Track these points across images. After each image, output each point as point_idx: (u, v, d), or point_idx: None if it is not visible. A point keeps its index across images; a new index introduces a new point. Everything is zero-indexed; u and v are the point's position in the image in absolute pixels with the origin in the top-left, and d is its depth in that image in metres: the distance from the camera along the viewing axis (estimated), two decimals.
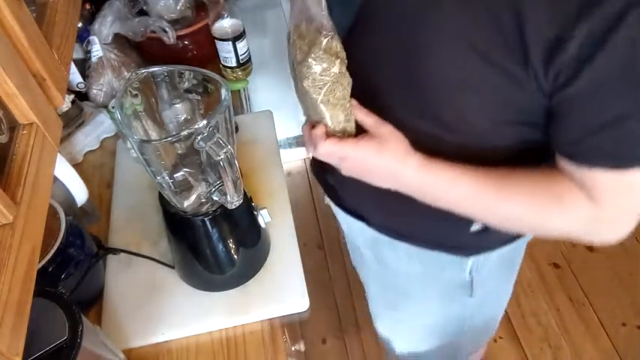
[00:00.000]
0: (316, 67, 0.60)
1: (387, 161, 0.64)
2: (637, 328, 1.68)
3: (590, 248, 1.88)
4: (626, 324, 1.69)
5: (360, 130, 0.66)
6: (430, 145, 0.65)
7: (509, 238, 0.83)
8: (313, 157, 0.99)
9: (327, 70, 0.61)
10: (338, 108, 0.64)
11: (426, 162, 0.64)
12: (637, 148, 0.55)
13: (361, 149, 0.64)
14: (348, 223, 0.93)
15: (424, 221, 0.77)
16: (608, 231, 0.61)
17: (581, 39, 0.49)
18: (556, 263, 1.85)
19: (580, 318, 1.72)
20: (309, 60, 0.60)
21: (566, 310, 1.74)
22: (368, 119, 0.64)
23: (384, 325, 1.16)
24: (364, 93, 0.65)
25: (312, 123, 0.67)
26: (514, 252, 0.89)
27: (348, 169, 0.67)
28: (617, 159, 0.55)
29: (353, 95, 0.65)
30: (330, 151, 0.65)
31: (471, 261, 0.84)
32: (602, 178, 0.57)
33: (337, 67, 0.61)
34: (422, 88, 0.63)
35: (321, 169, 0.92)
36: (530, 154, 0.66)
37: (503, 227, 0.69)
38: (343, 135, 0.65)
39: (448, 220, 0.70)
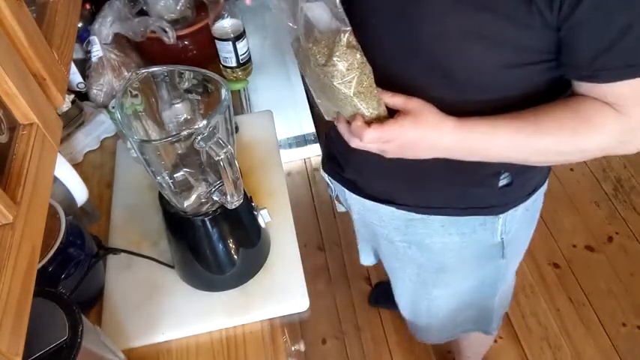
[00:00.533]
0: (342, 65, 0.62)
1: (425, 132, 0.66)
2: (637, 328, 1.68)
3: (591, 248, 1.88)
4: (626, 324, 1.69)
5: (390, 113, 0.68)
6: (449, 109, 0.67)
7: (529, 190, 0.86)
8: (325, 157, 1.01)
9: (352, 63, 0.63)
10: (369, 96, 0.66)
11: (459, 122, 0.67)
12: None
13: (402, 126, 0.66)
14: (378, 212, 0.94)
15: (455, 189, 0.80)
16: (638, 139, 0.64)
17: None
18: (556, 263, 1.85)
19: (580, 318, 1.72)
20: (334, 59, 0.62)
21: (566, 310, 1.74)
22: (395, 99, 0.66)
23: (420, 309, 1.16)
24: (373, 67, 0.66)
25: (345, 119, 0.69)
26: (535, 204, 0.91)
27: (392, 151, 0.69)
28: (633, 68, 0.58)
29: None
30: (375, 137, 0.66)
31: (500, 219, 0.86)
32: (623, 90, 0.60)
33: (359, 58, 0.63)
34: (425, 44, 0.65)
35: (336, 167, 0.93)
36: (548, 94, 0.68)
37: (545, 162, 0.72)
38: (379, 120, 0.67)
39: (477, 182, 0.73)
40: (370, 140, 0.67)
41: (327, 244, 1.99)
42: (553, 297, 1.78)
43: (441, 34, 0.63)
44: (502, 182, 0.80)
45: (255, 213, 0.90)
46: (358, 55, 0.63)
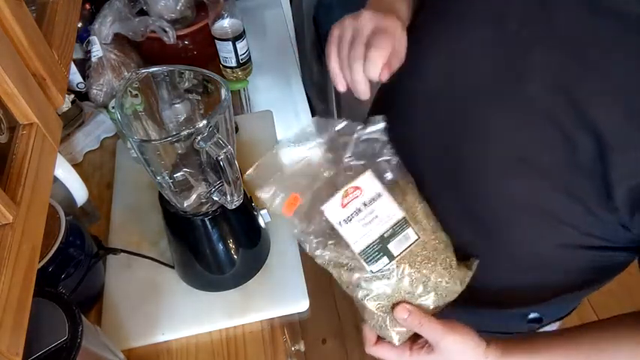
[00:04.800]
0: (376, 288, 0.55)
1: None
2: None
3: None
4: None
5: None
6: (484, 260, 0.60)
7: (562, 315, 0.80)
8: None
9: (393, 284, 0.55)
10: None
11: (502, 354, 0.57)
12: None
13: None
14: None
15: (481, 310, 0.71)
16: None
17: None
18: None
19: (580, 318, 1.71)
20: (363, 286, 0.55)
21: None
22: (436, 331, 0.56)
23: None
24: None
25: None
26: None
27: None
28: None
29: None
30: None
31: None
32: None
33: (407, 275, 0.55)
34: (474, 204, 0.59)
35: None
36: (610, 271, 0.63)
37: None
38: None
39: (506, 312, 0.66)
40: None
41: None
42: None
43: (501, 199, 0.56)
44: (531, 316, 0.73)
45: (255, 213, 0.90)
46: (406, 271, 0.55)
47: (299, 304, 0.89)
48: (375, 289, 0.55)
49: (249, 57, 1.27)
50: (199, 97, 0.78)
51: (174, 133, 0.78)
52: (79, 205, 0.95)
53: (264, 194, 0.56)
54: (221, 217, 0.82)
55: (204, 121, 0.66)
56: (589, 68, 0.47)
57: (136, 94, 0.75)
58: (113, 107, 1.06)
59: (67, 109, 1.14)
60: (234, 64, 1.25)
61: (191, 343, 0.87)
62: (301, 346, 1.17)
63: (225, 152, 0.67)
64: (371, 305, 0.56)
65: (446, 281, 0.57)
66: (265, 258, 0.94)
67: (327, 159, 0.57)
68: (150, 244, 0.98)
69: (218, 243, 0.85)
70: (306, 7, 1.92)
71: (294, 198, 0.56)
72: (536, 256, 0.60)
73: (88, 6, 1.28)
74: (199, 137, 0.67)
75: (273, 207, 0.56)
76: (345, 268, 0.56)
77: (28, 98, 0.54)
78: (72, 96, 1.16)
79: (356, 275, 0.55)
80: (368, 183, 0.55)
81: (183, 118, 0.80)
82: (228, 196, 0.74)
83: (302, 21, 1.98)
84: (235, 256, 0.89)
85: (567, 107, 0.48)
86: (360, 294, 0.56)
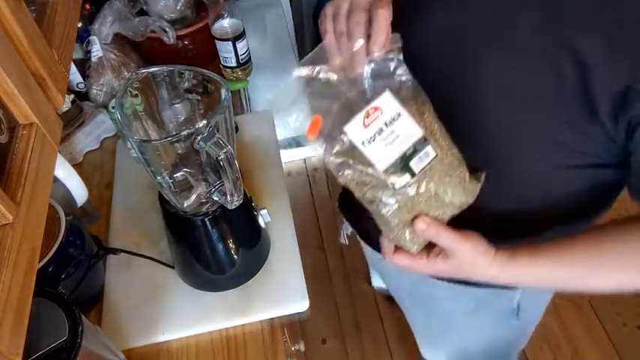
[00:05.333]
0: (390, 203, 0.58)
1: (470, 274, 0.63)
2: (637, 328, 1.68)
3: None
4: (626, 324, 1.69)
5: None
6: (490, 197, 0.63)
7: None
8: (341, 195, 0.96)
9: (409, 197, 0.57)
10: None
11: (507, 262, 0.61)
12: None
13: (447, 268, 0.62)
14: (389, 266, 0.91)
15: None
16: None
17: None
18: None
19: (580, 318, 1.72)
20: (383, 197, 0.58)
21: (566, 310, 1.74)
22: (450, 238, 0.60)
23: (430, 352, 1.15)
24: None
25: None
26: None
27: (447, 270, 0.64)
28: None
29: None
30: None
31: (518, 292, 0.83)
32: None
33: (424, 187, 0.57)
34: (478, 133, 0.62)
35: (355, 216, 0.90)
36: (600, 194, 0.65)
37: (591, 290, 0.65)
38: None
39: (504, 245, 0.67)
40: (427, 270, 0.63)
41: (327, 244, 1.99)
42: (553, 297, 1.77)
43: (494, 130, 0.61)
44: None
45: (255, 213, 0.90)
46: (423, 185, 0.58)
47: (299, 304, 0.89)
48: (396, 204, 0.58)
49: (249, 57, 1.27)
50: (199, 97, 0.78)
51: (174, 133, 0.78)
52: (79, 205, 0.95)
53: (286, 117, 0.58)
54: (221, 217, 0.82)
55: (204, 121, 0.66)
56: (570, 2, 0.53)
57: (136, 94, 0.75)
58: (113, 107, 1.06)
59: (67, 109, 1.14)
60: (234, 64, 1.25)
61: (191, 343, 0.87)
62: (301, 346, 1.17)
63: (225, 152, 0.67)
64: (393, 220, 0.59)
65: (460, 194, 0.60)
66: (265, 258, 0.94)
67: (345, 79, 0.58)
68: (150, 244, 0.98)
69: (218, 243, 0.85)
70: (306, 7, 1.93)
71: (316, 119, 0.57)
72: (532, 181, 0.64)
73: (88, 6, 1.28)
74: (199, 137, 0.67)
75: (294, 126, 0.58)
76: (369, 186, 0.59)
77: (28, 98, 0.54)
78: (72, 96, 1.16)
79: (379, 192, 0.58)
80: (388, 103, 0.57)
81: (183, 118, 0.80)
82: (228, 196, 0.74)
83: (302, 21, 1.98)
84: (235, 256, 0.89)
85: (555, 41, 0.54)
86: (384, 210, 0.59)
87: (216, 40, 1.22)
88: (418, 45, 0.64)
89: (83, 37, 1.21)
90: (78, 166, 1.16)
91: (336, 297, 1.84)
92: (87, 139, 1.19)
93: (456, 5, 0.62)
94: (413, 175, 0.57)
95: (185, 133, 0.67)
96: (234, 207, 0.76)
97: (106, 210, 1.06)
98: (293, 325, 0.92)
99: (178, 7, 1.24)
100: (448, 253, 0.60)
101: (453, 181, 0.60)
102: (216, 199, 0.79)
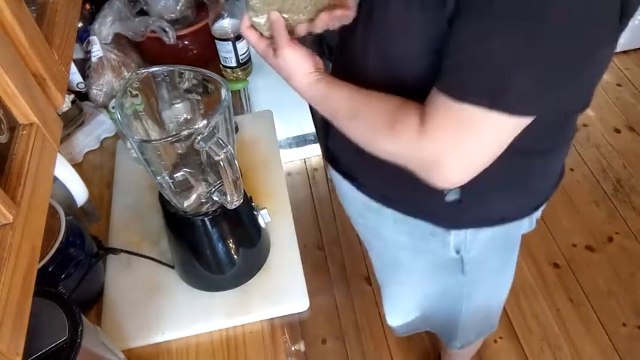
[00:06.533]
0: None
1: (287, 77, 0.74)
2: (637, 328, 1.68)
3: (591, 248, 1.88)
4: (626, 324, 1.69)
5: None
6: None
7: (491, 219, 0.83)
8: (323, 122, 1.00)
9: None
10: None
11: (316, 82, 0.72)
12: (481, 82, 0.55)
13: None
14: (344, 189, 0.95)
15: (404, 184, 0.76)
16: (433, 168, 0.61)
17: None
18: (556, 263, 1.85)
19: (580, 318, 1.72)
20: None
21: (566, 310, 1.74)
22: (281, 40, 0.71)
23: (386, 295, 1.18)
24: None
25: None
26: (505, 239, 0.90)
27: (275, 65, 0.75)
28: (454, 88, 0.56)
29: None
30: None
31: (452, 235, 0.84)
32: (437, 104, 0.57)
33: None
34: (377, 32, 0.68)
35: (325, 134, 0.93)
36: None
37: (363, 142, 0.71)
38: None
39: (422, 186, 0.70)
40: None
41: (327, 244, 1.99)
42: (553, 297, 1.78)
43: (387, 19, 0.66)
44: (450, 197, 0.78)
45: (255, 213, 0.90)
46: None
47: (299, 304, 0.89)
48: None
49: (249, 57, 1.27)
50: (199, 97, 0.78)
51: (174, 133, 0.78)
52: (79, 205, 0.95)
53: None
54: (221, 217, 0.82)
55: (204, 121, 0.66)
56: None
57: (136, 94, 0.75)
58: (113, 107, 1.06)
59: (67, 109, 1.14)
60: (234, 64, 1.25)
61: (191, 343, 0.87)
62: (301, 346, 1.17)
63: (225, 152, 0.67)
64: (255, 4, 0.69)
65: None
66: (265, 258, 0.94)
67: None
68: (150, 244, 0.98)
69: (218, 243, 0.85)
70: None
71: None
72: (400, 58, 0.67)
73: (88, 6, 1.28)
74: (199, 137, 0.67)
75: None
76: None
77: (28, 98, 0.54)
78: (72, 96, 1.16)
79: None
80: None
81: (183, 118, 0.80)
82: (228, 196, 0.74)
83: None
84: (235, 256, 0.89)
85: None
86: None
87: (216, 40, 1.22)
88: None
89: (83, 37, 1.21)
90: (78, 166, 1.16)
91: (336, 297, 1.85)
92: (87, 139, 1.19)
93: None
94: None
95: (185, 133, 0.67)
96: (234, 207, 0.76)
97: (106, 210, 1.06)
98: (293, 325, 0.92)
99: (178, 7, 1.24)
100: (277, 52, 0.71)
101: None
102: (216, 199, 0.79)
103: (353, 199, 0.94)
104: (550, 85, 0.55)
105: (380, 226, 0.94)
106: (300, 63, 0.71)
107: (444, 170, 0.60)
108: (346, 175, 0.91)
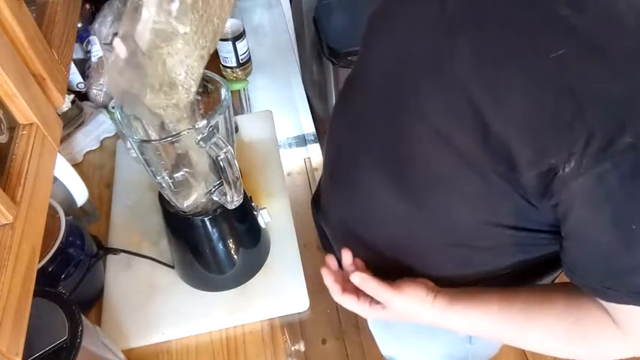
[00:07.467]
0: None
1: (412, 319, 0.67)
2: None
3: None
4: None
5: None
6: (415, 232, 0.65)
7: None
8: (314, 199, 0.97)
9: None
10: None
11: (446, 307, 0.64)
12: None
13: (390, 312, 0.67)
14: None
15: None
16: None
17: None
18: None
19: None
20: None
21: None
22: (385, 294, 0.65)
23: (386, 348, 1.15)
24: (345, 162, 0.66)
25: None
26: None
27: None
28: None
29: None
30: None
31: None
32: (625, 314, 0.52)
33: None
34: (406, 170, 0.61)
35: (321, 217, 0.91)
36: (533, 262, 0.64)
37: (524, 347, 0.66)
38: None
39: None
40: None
41: None
42: None
43: (422, 169, 0.60)
44: None
45: (255, 213, 0.90)
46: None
47: (299, 304, 0.89)
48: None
49: (249, 57, 1.27)
50: (199, 97, 0.78)
51: (174, 133, 0.78)
52: (79, 205, 0.95)
53: None
54: (221, 217, 0.82)
55: (204, 121, 0.66)
56: (506, 57, 0.49)
57: None
58: (113, 107, 1.06)
59: (67, 109, 1.14)
60: (234, 64, 1.25)
61: (191, 343, 0.87)
62: (301, 346, 1.17)
63: (225, 152, 0.67)
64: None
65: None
66: (265, 258, 0.94)
67: None
68: (150, 244, 0.98)
69: (218, 243, 0.85)
70: (306, 7, 1.92)
71: None
72: (456, 229, 0.62)
73: (88, 6, 1.28)
74: (199, 137, 0.67)
75: None
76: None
77: (28, 98, 0.54)
78: (72, 96, 1.16)
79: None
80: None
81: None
82: (228, 196, 0.74)
83: (302, 21, 1.98)
84: (235, 256, 0.89)
85: (482, 94, 0.50)
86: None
87: None
88: (367, 67, 0.66)
89: (83, 37, 1.21)
90: (78, 166, 1.16)
91: None
92: (87, 139, 1.19)
93: (400, 36, 0.62)
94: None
95: (185, 133, 0.67)
96: (234, 207, 0.76)
97: (106, 210, 1.06)
98: (293, 325, 0.92)
99: None
100: (386, 305, 0.66)
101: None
102: (216, 199, 0.79)
103: None
104: None
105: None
106: (413, 303, 0.64)
107: None
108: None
